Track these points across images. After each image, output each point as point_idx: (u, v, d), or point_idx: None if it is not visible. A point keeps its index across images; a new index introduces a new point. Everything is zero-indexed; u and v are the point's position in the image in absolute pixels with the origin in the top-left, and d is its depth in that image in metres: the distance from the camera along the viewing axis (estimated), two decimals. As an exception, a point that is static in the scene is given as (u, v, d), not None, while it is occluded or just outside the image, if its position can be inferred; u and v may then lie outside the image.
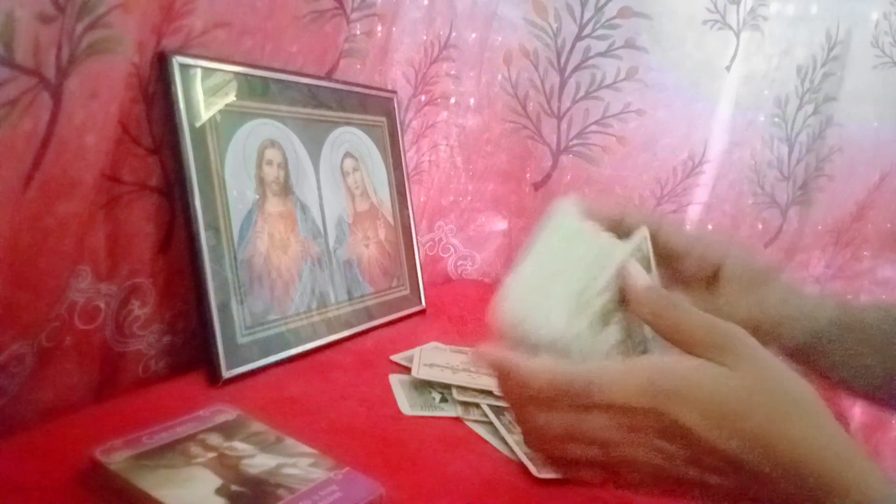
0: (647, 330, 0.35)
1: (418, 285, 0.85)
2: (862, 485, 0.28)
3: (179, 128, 0.55)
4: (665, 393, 0.29)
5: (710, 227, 1.01)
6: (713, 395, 0.29)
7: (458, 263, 1.08)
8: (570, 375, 0.31)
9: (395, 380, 0.63)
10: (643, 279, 0.34)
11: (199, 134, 0.57)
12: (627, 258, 0.35)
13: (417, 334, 0.76)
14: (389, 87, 0.84)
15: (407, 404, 0.59)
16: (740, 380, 0.29)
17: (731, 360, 0.29)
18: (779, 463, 0.28)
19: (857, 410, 1.04)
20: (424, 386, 0.62)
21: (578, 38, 0.92)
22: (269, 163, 0.64)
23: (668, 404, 0.29)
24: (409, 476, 0.48)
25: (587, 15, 0.91)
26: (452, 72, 0.95)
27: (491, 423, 0.57)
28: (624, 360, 0.34)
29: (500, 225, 1.07)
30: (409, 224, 0.85)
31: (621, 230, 0.39)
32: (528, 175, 1.02)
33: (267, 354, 0.60)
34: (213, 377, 0.56)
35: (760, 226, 1.04)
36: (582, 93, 0.95)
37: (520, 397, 0.33)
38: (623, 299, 0.34)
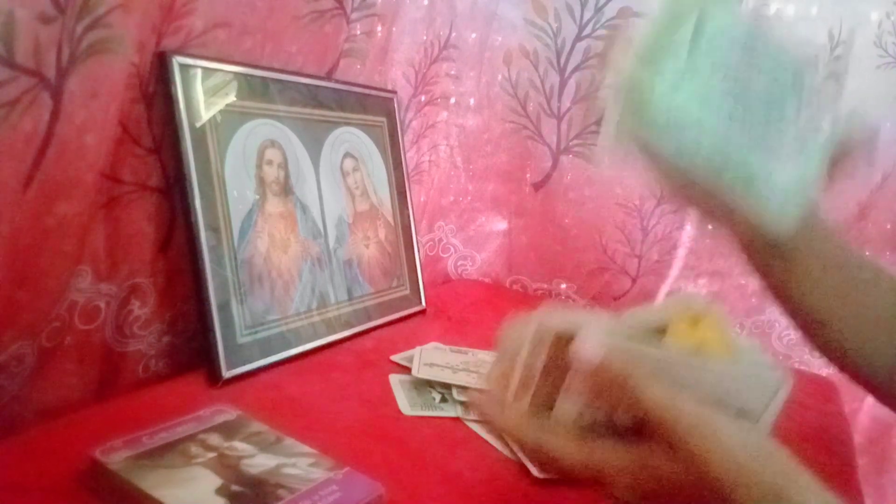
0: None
1: (418, 285, 0.85)
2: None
3: (179, 128, 0.55)
4: (710, 438, 0.30)
5: (710, 226, 1.01)
6: (678, 490, 0.31)
7: (458, 263, 1.08)
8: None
9: (395, 380, 0.63)
10: (591, 352, 0.31)
11: (199, 134, 0.57)
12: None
13: (417, 334, 0.76)
14: (389, 87, 0.84)
15: (407, 404, 0.59)
16: (696, 477, 0.30)
17: (694, 453, 0.30)
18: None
19: (864, 418, 1.03)
20: (424, 386, 0.62)
21: (578, 38, 0.92)
22: (269, 163, 0.64)
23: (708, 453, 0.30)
24: (409, 476, 0.48)
25: (587, 15, 0.91)
26: (452, 72, 0.95)
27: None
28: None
29: (500, 225, 1.07)
30: (409, 224, 0.85)
31: None
32: (528, 175, 1.02)
33: (267, 354, 0.60)
34: (213, 377, 0.56)
35: (761, 226, 1.04)
36: (582, 93, 0.95)
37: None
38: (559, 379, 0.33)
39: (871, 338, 0.45)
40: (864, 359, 0.47)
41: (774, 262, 0.44)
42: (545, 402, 0.34)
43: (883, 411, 1.02)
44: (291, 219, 0.66)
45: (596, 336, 0.31)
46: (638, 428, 0.32)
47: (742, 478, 0.29)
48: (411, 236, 0.85)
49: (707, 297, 1.03)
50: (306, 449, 0.45)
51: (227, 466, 0.41)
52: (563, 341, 0.32)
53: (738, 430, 0.31)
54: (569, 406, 0.34)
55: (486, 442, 0.55)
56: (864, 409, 1.03)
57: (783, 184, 0.35)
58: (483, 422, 0.37)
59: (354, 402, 0.58)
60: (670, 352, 0.32)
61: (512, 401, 0.34)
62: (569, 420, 0.34)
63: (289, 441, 0.45)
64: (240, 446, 0.44)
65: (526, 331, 0.33)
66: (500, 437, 0.55)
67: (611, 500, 0.34)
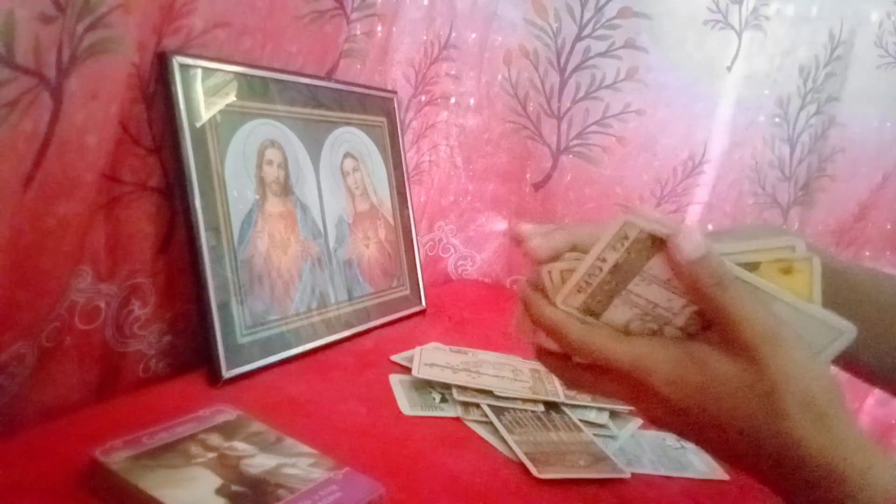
0: (674, 304, 0.33)
1: (418, 285, 0.85)
2: (872, 484, 0.30)
3: (179, 128, 0.55)
4: (780, 352, 0.31)
5: (710, 226, 1.01)
6: (719, 386, 0.31)
7: (458, 263, 1.08)
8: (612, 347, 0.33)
9: (395, 380, 0.63)
10: (693, 246, 0.31)
11: (199, 134, 0.57)
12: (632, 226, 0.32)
13: (417, 334, 0.76)
14: (389, 87, 0.84)
15: (407, 404, 0.59)
16: (752, 380, 0.31)
17: (756, 358, 0.31)
18: (770, 456, 0.31)
19: (864, 418, 1.03)
20: (424, 386, 0.62)
21: (578, 38, 0.92)
22: (270, 163, 0.64)
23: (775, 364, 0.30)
24: (409, 476, 0.48)
25: (587, 15, 0.91)
26: (452, 72, 0.95)
27: (491, 423, 0.57)
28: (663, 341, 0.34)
29: (500, 225, 1.07)
30: (409, 224, 0.85)
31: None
32: (528, 175, 1.02)
33: (267, 354, 0.60)
34: (214, 377, 0.56)
35: (761, 226, 1.04)
36: (582, 93, 0.95)
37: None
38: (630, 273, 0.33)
39: (877, 333, 0.45)
40: (870, 355, 0.46)
41: None
42: (597, 308, 0.34)
43: (883, 412, 1.02)
44: (291, 219, 0.66)
45: (698, 236, 0.31)
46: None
47: (799, 395, 0.30)
48: (411, 236, 0.85)
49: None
50: (306, 449, 0.45)
51: (227, 466, 0.41)
52: (650, 242, 0.32)
53: (810, 356, 0.31)
54: (622, 312, 0.34)
55: (486, 442, 0.55)
56: (865, 410, 1.03)
57: None
58: (528, 313, 0.36)
59: (354, 402, 0.58)
60: (759, 279, 0.32)
61: (565, 297, 0.34)
62: (617, 327, 0.34)
63: (289, 441, 0.45)
64: (240, 446, 0.44)
65: (609, 224, 0.32)
66: (500, 437, 0.55)
67: (644, 418, 0.35)
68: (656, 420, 0.35)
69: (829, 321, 0.32)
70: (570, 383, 0.37)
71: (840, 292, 0.42)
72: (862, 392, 1.00)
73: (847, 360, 0.48)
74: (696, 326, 0.34)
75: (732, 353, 0.31)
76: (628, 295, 0.33)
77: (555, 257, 0.35)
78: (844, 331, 0.32)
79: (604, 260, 0.33)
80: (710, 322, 0.33)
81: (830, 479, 0.30)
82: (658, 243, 0.32)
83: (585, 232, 0.35)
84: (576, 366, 0.36)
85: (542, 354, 0.38)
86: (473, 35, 0.94)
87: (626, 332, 0.34)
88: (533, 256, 0.35)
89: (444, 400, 0.61)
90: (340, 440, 0.50)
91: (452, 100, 0.98)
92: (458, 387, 0.61)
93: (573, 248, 0.35)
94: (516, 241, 0.35)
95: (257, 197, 0.62)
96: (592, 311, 0.34)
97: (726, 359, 0.31)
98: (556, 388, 0.64)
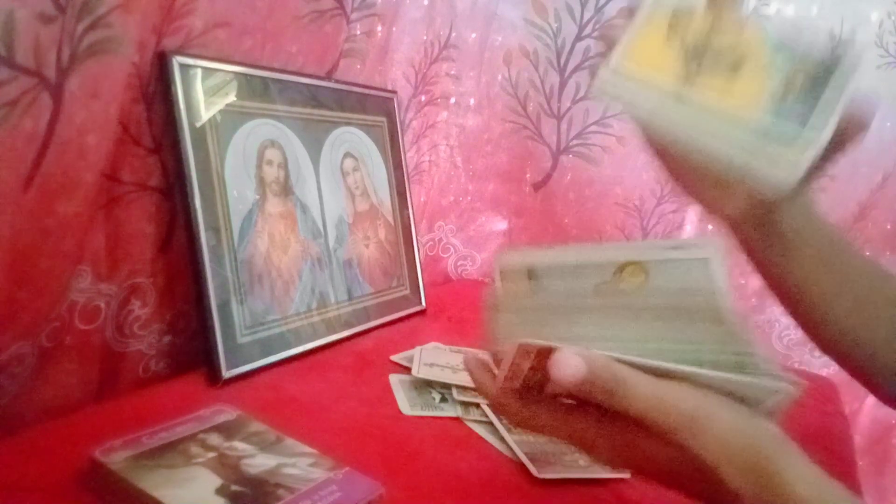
0: None
1: (418, 285, 0.85)
2: None
3: (179, 128, 0.55)
4: (701, 433, 0.30)
5: (710, 226, 1.01)
6: (664, 472, 0.32)
7: (458, 263, 1.08)
8: (608, 374, 0.32)
9: (395, 380, 0.63)
10: (571, 371, 0.30)
11: (199, 134, 0.57)
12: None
13: (417, 334, 0.76)
14: (389, 87, 0.84)
15: (407, 404, 0.59)
16: (688, 461, 0.30)
17: (682, 444, 0.30)
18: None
19: (864, 419, 1.03)
20: (424, 386, 0.62)
21: (578, 38, 0.92)
22: (269, 163, 0.64)
23: (700, 444, 0.30)
24: (409, 476, 0.48)
25: (587, 15, 0.91)
26: (452, 72, 0.95)
27: (491, 423, 0.57)
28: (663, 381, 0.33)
29: (500, 225, 1.07)
30: (409, 224, 0.85)
31: None
32: (528, 175, 1.02)
33: (267, 354, 0.60)
34: (213, 377, 0.56)
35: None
36: (582, 93, 0.95)
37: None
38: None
39: (871, 333, 0.45)
40: (864, 355, 0.47)
41: (772, 251, 0.44)
42: (535, 385, 0.34)
43: (883, 412, 1.02)
44: (291, 219, 0.66)
45: (574, 356, 0.30)
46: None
47: (733, 464, 0.30)
48: (411, 236, 0.85)
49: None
50: (306, 449, 0.45)
51: (227, 466, 0.41)
52: (545, 353, 0.31)
53: (737, 420, 0.30)
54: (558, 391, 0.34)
55: (486, 442, 0.55)
56: (865, 410, 1.03)
57: (792, 138, 0.34)
58: (476, 388, 0.38)
59: (354, 402, 0.57)
60: (670, 366, 0.31)
61: (503, 379, 0.34)
62: (558, 399, 0.34)
63: (289, 441, 0.45)
64: (240, 446, 0.44)
65: (507, 352, 0.33)
66: (500, 437, 0.55)
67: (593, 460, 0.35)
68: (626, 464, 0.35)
69: (758, 384, 0.31)
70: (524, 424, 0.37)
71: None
72: (862, 392, 1.00)
73: (843, 360, 0.48)
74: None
75: (661, 441, 0.31)
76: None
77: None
78: (777, 388, 0.31)
79: (519, 367, 0.33)
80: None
81: None
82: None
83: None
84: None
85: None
86: (473, 35, 0.94)
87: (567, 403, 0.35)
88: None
89: (444, 400, 0.61)
90: (340, 440, 0.50)
91: (452, 100, 0.98)
92: (458, 387, 0.61)
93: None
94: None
95: (257, 197, 0.62)
96: (533, 387, 0.35)
97: (657, 447, 0.31)
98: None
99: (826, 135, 0.34)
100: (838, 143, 0.36)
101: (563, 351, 0.30)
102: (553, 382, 0.31)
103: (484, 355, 0.38)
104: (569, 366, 0.30)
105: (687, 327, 0.33)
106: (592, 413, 0.33)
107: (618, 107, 0.40)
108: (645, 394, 0.30)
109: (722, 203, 0.44)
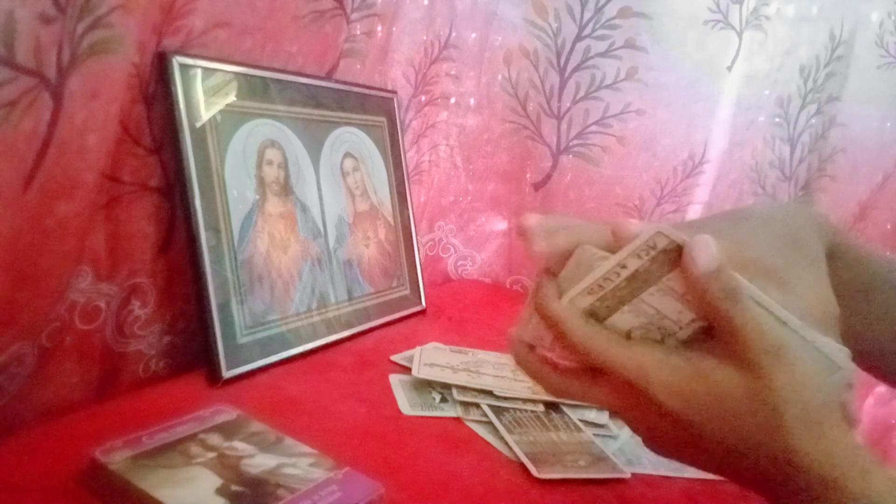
0: (683, 318, 0.33)
1: (418, 285, 0.85)
2: (869, 493, 0.30)
3: (179, 128, 0.55)
4: (784, 367, 0.31)
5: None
6: (722, 398, 0.31)
7: (458, 263, 1.08)
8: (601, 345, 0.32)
9: (395, 380, 0.63)
10: (708, 258, 0.30)
11: (199, 134, 0.57)
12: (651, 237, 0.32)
13: (417, 334, 0.76)
14: (389, 87, 0.84)
15: (407, 404, 0.59)
16: (755, 394, 0.31)
17: (760, 372, 0.31)
18: (768, 467, 0.31)
19: (864, 419, 1.03)
20: (424, 386, 0.62)
21: (578, 38, 0.92)
22: (269, 163, 0.64)
23: (779, 379, 0.30)
24: (409, 476, 0.48)
25: (587, 15, 0.91)
26: (452, 72, 0.95)
27: (491, 423, 0.57)
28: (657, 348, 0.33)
29: (500, 225, 1.07)
30: (409, 224, 0.85)
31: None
32: (528, 175, 1.02)
33: (267, 354, 0.60)
34: (213, 377, 0.56)
35: (761, 226, 1.03)
36: (582, 93, 0.95)
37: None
38: (643, 283, 0.32)
39: (864, 307, 0.45)
40: (860, 335, 0.46)
41: None
42: (603, 312, 0.34)
43: (883, 412, 1.02)
44: (291, 219, 0.66)
45: (714, 246, 0.31)
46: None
47: (800, 409, 0.30)
48: (411, 236, 0.85)
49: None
50: (306, 449, 0.45)
51: (227, 466, 0.41)
52: (676, 255, 0.31)
53: (812, 371, 0.31)
54: (627, 319, 0.33)
55: (487, 442, 0.55)
56: (865, 410, 1.03)
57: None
58: (535, 304, 0.35)
59: (354, 402, 0.58)
60: (770, 302, 0.32)
61: (573, 297, 0.33)
62: (619, 332, 0.34)
63: (289, 441, 0.45)
64: (240, 446, 0.44)
65: (641, 233, 0.32)
66: (500, 437, 0.55)
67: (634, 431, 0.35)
68: (648, 431, 0.34)
69: (829, 353, 0.32)
70: (556, 391, 0.36)
71: (863, 280, 0.42)
72: (862, 392, 1.00)
73: (870, 358, 0.48)
74: (699, 342, 0.34)
75: (736, 366, 0.31)
76: (639, 304, 0.33)
77: (559, 259, 0.35)
78: (843, 366, 0.32)
79: (624, 266, 0.32)
80: (716, 335, 0.32)
81: (828, 489, 0.30)
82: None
83: (590, 231, 0.34)
84: (564, 371, 0.35)
85: (525, 357, 0.37)
86: (473, 35, 0.94)
87: (627, 338, 0.34)
88: (537, 257, 0.35)
89: (444, 400, 0.61)
90: (340, 440, 0.50)
91: (452, 100, 0.98)
92: (458, 387, 0.61)
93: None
94: (521, 234, 0.35)
95: (257, 197, 0.62)
96: (597, 316, 0.34)
97: (731, 372, 0.31)
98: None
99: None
100: None
101: (706, 240, 0.31)
102: (684, 269, 0.31)
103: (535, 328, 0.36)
104: (709, 252, 0.30)
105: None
106: (659, 350, 0.32)
107: None
108: (752, 311, 0.30)
109: None
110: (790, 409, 0.30)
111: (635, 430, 0.35)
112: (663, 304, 0.33)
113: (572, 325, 0.33)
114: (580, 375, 0.35)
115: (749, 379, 0.31)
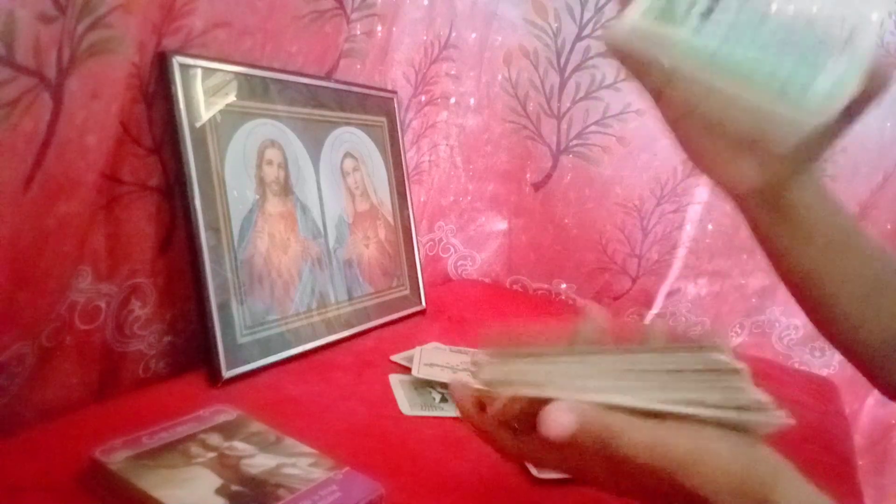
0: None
1: (418, 285, 0.85)
2: None
3: (179, 128, 0.55)
4: (697, 472, 0.30)
5: (710, 226, 1.01)
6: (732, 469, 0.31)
7: (458, 263, 1.08)
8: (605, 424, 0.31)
9: (395, 380, 0.63)
10: (561, 429, 0.30)
11: (199, 134, 0.57)
12: None
13: (417, 334, 0.76)
14: (389, 87, 0.84)
15: (407, 404, 0.59)
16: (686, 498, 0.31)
17: (680, 485, 0.30)
18: None
19: (864, 419, 1.03)
20: (424, 386, 0.62)
21: (578, 38, 0.92)
22: (269, 163, 0.64)
23: (696, 483, 0.30)
24: (409, 476, 0.48)
25: (587, 15, 0.91)
26: (452, 72, 0.95)
27: (491, 424, 0.57)
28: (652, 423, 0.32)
29: (500, 225, 1.07)
30: (409, 224, 0.85)
31: None
32: (528, 175, 1.02)
33: (267, 354, 0.60)
34: (214, 377, 0.56)
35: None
36: (582, 93, 0.95)
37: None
38: None
39: (879, 325, 0.45)
40: (871, 347, 0.46)
41: (783, 232, 0.43)
42: (528, 422, 0.34)
43: (884, 412, 1.02)
44: (291, 219, 0.66)
45: (563, 407, 0.30)
46: None
47: (731, 494, 0.30)
48: (411, 236, 0.85)
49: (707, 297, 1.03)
50: (306, 449, 0.45)
51: (227, 466, 0.41)
52: (538, 403, 0.31)
53: (731, 456, 0.31)
54: None
55: (486, 442, 0.55)
56: (865, 410, 1.03)
57: (816, 87, 0.33)
58: (464, 418, 0.37)
59: (354, 402, 0.58)
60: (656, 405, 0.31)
61: (494, 416, 0.35)
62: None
63: (289, 441, 0.45)
64: (240, 446, 0.44)
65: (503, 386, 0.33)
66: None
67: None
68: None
69: (750, 417, 0.31)
70: (510, 454, 0.38)
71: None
72: (862, 392, 1.00)
73: (836, 338, 0.48)
74: None
75: (658, 478, 0.31)
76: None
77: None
78: (767, 415, 0.31)
79: (510, 405, 0.33)
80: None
81: None
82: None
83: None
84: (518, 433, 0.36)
85: (475, 417, 0.37)
86: (473, 35, 0.94)
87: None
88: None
89: (444, 400, 0.61)
90: (340, 440, 0.50)
91: (452, 100, 0.98)
92: (458, 387, 0.61)
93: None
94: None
95: (257, 197, 0.62)
96: (526, 422, 0.34)
97: (655, 482, 0.31)
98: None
99: (859, 70, 0.32)
100: (860, 100, 0.35)
101: (554, 405, 0.30)
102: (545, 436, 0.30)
103: (472, 384, 0.36)
104: (558, 423, 0.30)
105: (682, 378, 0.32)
106: (590, 447, 0.31)
107: (638, 61, 0.38)
108: (639, 441, 0.30)
109: (735, 175, 0.42)
110: (721, 498, 0.30)
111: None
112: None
113: (501, 443, 0.36)
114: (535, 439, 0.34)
115: (672, 487, 0.30)
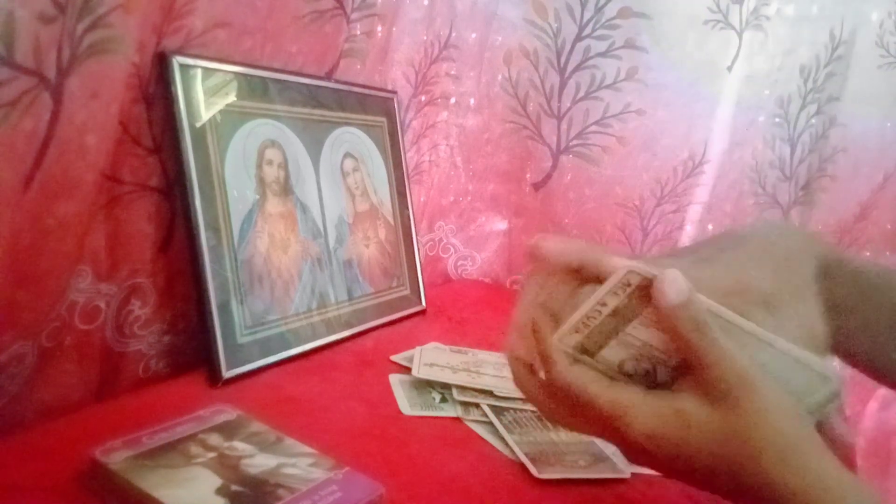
0: (670, 345, 0.33)
1: (418, 285, 0.85)
2: None
3: (179, 128, 0.55)
4: (757, 396, 0.31)
5: (710, 227, 1.01)
6: (701, 442, 0.31)
7: (458, 263, 1.08)
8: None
9: (395, 380, 0.63)
10: (676, 291, 0.31)
11: (199, 134, 0.57)
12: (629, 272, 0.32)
13: (417, 334, 0.76)
14: (389, 88, 0.84)
15: (407, 404, 0.59)
16: (729, 427, 0.31)
17: (732, 404, 0.31)
18: (753, 497, 0.31)
19: (867, 422, 1.03)
20: (424, 386, 0.62)
21: (578, 38, 0.92)
22: (270, 163, 0.64)
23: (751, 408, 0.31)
24: (409, 476, 0.48)
25: (587, 15, 0.91)
26: (452, 72, 0.95)
27: (491, 423, 0.57)
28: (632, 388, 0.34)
29: (500, 225, 1.07)
30: (409, 224, 0.85)
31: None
32: (528, 175, 1.02)
33: (267, 354, 0.60)
34: (214, 377, 0.56)
35: (762, 226, 1.03)
36: (582, 93, 0.95)
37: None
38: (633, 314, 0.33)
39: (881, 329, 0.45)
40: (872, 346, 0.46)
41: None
42: (593, 347, 0.34)
43: (886, 415, 1.02)
44: (291, 219, 0.66)
45: (683, 280, 0.31)
46: (674, 385, 0.33)
47: (773, 438, 0.30)
48: (411, 236, 0.85)
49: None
50: (306, 449, 0.45)
51: (227, 466, 0.41)
52: (649, 289, 0.32)
53: (784, 399, 0.31)
54: (617, 352, 0.34)
55: (487, 442, 0.55)
56: (868, 413, 1.03)
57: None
58: (512, 351, 0.36)
59: (354, 402, 0.57)
60: (746, 322, 0.32)
61: (561, 336, 0.34)
62: (610, 366, 0.34)
63: (289, 441, 0.45)
64: (240, 446, 0.44)
65: (614, 272, 0.32)
66: (500, 437, 0.55)
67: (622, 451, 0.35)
68: (634, 457, 0.35)
69: (816, 368, 0.32)
70: (546, 414, 0.37)
71: (860, 292, 0.42)
72: (864, 396, 1.00)
73: (867, 364, 0.48)
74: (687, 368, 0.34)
75: (710, 400, 0.31)
76: (625, 337, 0.34)
77: (563, 267, 0.35)
78: (830, 377, 0.32)
79: (604, 304, 0.33)
80: (690, 369, 0.33)
81: None
82: None
83: (594, 256, 0.35)
84: (553, 397, 0.36)
85: (525, 379, 0.37)
86: (473, 35, 0.94)
87: (619, 370, 0.35)
88: (543, 259, 0.35)
89: (444, 400, 0.61)
90: (340, 440, 0.50)
91: (452, 100, 0.98)
92: (458, 387, 0.61)
93: (580, 267, 0.35)
94: (532, 253, 0.36)
95: (257, 197, 0.62)
96: (588, 350, 0.34)
97: (705, 407, 0.31)
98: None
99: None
100: None
101: (674, 274, 0.31)
102: (654, 302, 0.31)
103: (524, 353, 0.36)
104: (677, 287, 0.30)
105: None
106: (640, 384, 0.33)
107: None
108: (720, 342, 0.31)
109: None
110: (763, 439, 0.30)
111: (622, 452, 0.36)
112: (648, 335, 0.33)
113: (559, 367, 0.34)
114: (568, 404, 0.35)
115: (721, 413, 0.31)
